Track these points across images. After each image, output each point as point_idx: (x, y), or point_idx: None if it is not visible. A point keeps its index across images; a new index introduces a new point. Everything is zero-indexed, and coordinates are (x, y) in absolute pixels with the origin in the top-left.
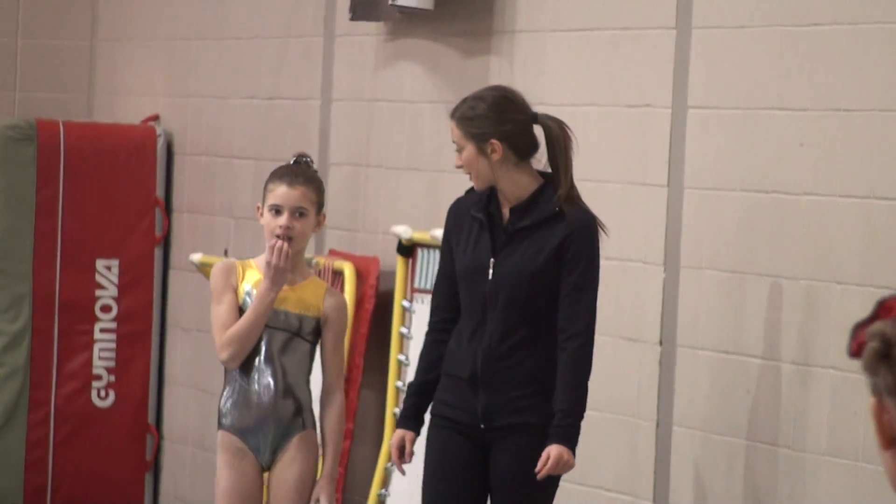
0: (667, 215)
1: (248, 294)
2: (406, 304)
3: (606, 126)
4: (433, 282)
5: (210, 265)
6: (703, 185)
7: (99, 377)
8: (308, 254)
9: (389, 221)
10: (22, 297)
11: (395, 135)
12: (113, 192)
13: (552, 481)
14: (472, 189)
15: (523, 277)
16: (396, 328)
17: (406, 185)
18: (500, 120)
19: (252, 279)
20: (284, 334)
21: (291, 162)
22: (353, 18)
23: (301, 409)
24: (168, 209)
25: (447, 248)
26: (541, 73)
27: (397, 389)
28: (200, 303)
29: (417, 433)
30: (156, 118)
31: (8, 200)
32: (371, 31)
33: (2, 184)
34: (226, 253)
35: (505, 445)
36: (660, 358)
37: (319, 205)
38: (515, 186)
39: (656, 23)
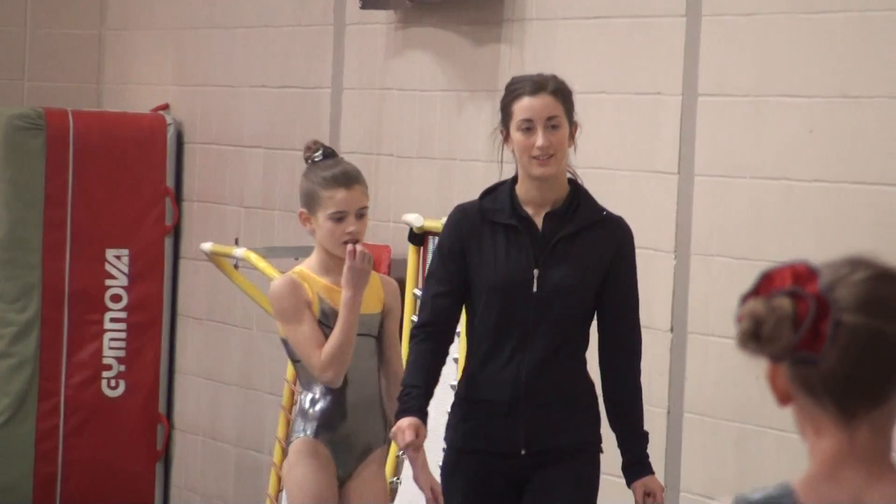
0: (677, 202)
1: (323, 303)
2: (417, 292)
3: (617, 114)
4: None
5: (221, 254)
6: (713, 172)
7: (109, 367)
8: None
9: (401, 210)
10: (31, 287)
11: (405, 123)
12: (122, 181)
13: None
14: (488, 193)
15: (575, 290)
16: (408, 317)
17: (417, 174)
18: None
19: (318, 287)
20: (365, 339)
21: (317, 157)
22: (363, 7)
23: (386, 422)
24: (178, 198)
25: (452, 259)
26: (551, 62)
27: None
28: (211, 292)
29: (425, 423)
30: (166, 107)
31: (17, 190)
32: (381, 20)
33: (11, 173)
34: (237, 242)
35: (554, 469)
36: (670, 345)
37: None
38: (559, 186)
39: (666, 11)
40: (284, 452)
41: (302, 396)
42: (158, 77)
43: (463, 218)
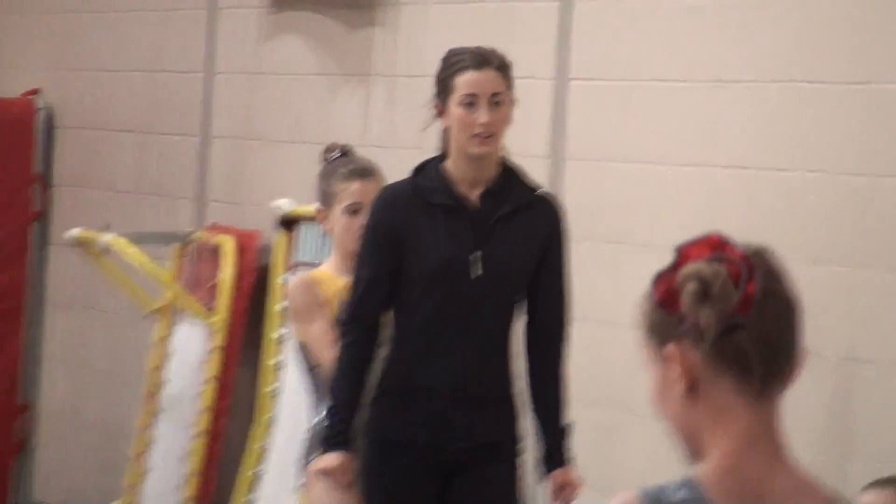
0: (549, 186)
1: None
2: (289, 277)
3: None
4: (314, 255)
5: (89, 241)
6: (584, 156)
7: None
8: (189, 227)
9: (271, 195)
10: None
11: (278, 107)
12: None
13: None
14: (419, 171)
15: (520, 271)
16: (274, 303)
17: (288, 158)
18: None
19: (336, 287)
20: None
21: (335, 155)
22: None
23: None
24: (48, 184)
25: (388, 244)
26: (424, 45)
27: (273, 366)
28: (80, 278)
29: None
30: (36, 92)
31: None
32: (254, 4)
33: None
34: (107, 228)
35: (489, 465)
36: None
37: None
38: (493, 164)
39: None
40: (144, 443)
41: (319, 410)
42: (30, 62)
43: (395, 198)
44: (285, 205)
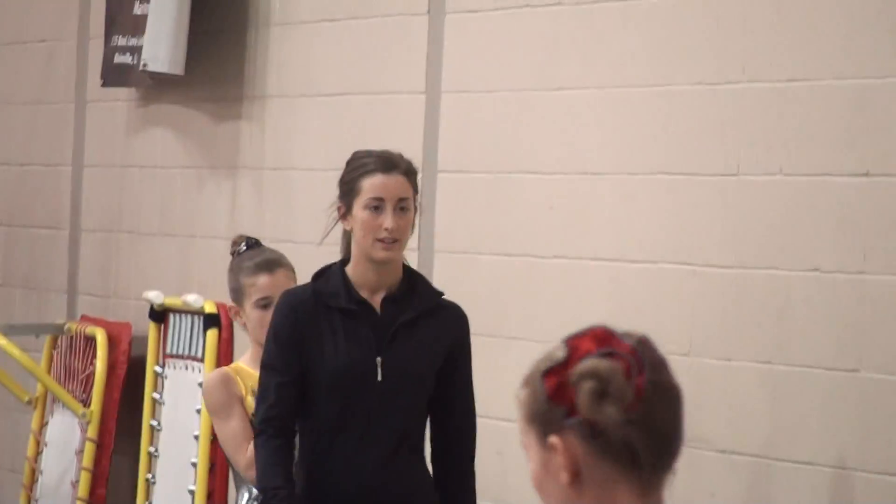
0: (422, 199)
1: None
2: (158, 369)
3: (362, 114)
4: (185, 347)
5: None
6: (457, 168)
7: None
8: (59, 319)
9: (141, 287)
10: None
11: (146, 200)
12: None
13: None
14: (319, 276)
15: (422, 377)
16: (149, 393)
17: (158, 251)
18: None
19: (252, 381)
20: None
21: (242, 249)
22: (104, 84)
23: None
24: None
25: (291, 347)
26: (291, 138)
27: (149, 455)
28: None
29: None
30: None
31: None
32: (122, 97)
33: None
34: None
35: None
36: None
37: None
38: (396, 269)
39: (409, 9)
40: None
41: (239, 495)
42: None
43: (297, 303)
44: (155, 297)
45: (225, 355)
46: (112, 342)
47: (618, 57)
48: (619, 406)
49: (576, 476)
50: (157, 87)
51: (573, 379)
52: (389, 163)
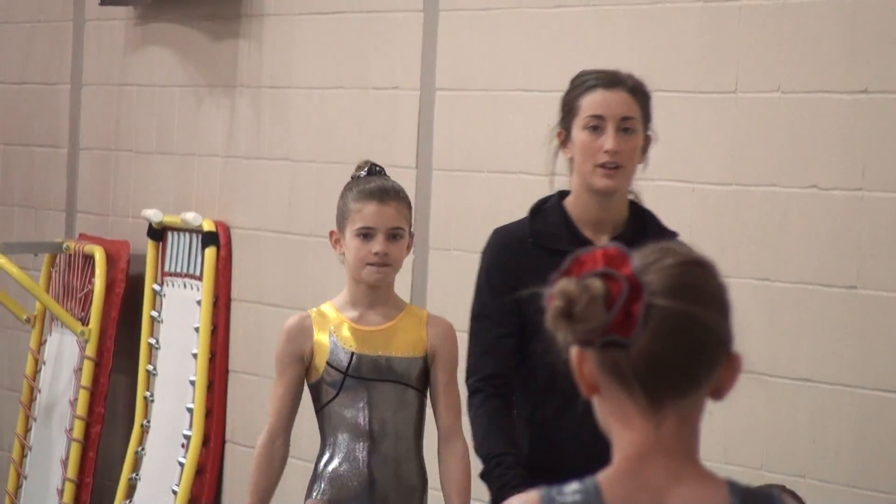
0: (416, 197)
1: (335, 350)
2: (157, 287)
3: (355, 108)
4: (183, 265)
5: None
6: (451, 166)
7: None
8: (57, 238)
9: (140, 205)
10: None
11: (144, 119)
12: None
13: None
14: (536, 212)
15: None
16: (147, 311)
17: (156, 169)
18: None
19: (333, 325)
20: (394, 387)
21: (363, 173)
22: (102, 3)
23: (425, 485)
24: None
25: (506, 294)
26: (289, 57)
27: (147, 373)
28: None
29: None
30: None
31: None
32: (121, 16)
33: None
34: None
35: None
36: None
37: (410, 222)
38: (622, 204)
39: (404, 5)
40: (23, 449)
41: (319, 455)
42: None
43: (513, 243)
44: (154, 215)
45: (223, 273)
46: (110, 260)
47: (614, 56)
48: (585, 328)
49: (591, 388)
50: (155, 5)
51: (552, 295)
52: (612, 78)
